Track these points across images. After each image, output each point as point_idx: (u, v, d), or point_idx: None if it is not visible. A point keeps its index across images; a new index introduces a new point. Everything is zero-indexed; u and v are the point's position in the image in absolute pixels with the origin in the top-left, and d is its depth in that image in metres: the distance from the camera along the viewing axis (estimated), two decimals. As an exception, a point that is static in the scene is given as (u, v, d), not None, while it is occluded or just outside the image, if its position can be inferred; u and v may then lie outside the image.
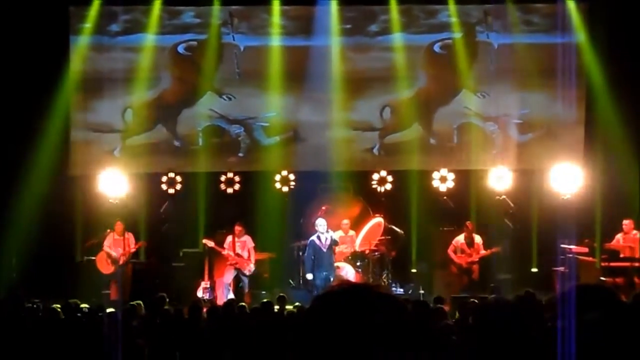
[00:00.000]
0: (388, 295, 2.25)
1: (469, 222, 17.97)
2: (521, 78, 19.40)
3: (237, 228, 17.60)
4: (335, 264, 17.45)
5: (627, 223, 17.31)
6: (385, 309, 2.18)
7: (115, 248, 17.73)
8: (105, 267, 17.71)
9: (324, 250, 17.06)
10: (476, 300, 12.73)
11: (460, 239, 17.79)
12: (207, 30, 19.75)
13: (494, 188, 18.87)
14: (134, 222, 18.58)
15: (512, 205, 18.49)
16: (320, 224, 17.23)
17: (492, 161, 19.56)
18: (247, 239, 17.69)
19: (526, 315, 4.33)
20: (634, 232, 17.25)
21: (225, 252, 17.49)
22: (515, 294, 12.51)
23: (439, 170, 19.29)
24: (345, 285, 2.26)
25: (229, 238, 17.60)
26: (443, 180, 19.22)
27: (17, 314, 11.07)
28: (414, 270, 19.24)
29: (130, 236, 17.98)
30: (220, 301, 16.08)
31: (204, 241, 17.80)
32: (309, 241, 17.33)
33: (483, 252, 17.71)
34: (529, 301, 10.94)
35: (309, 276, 17.17)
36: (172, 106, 19.75)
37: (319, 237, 17.12)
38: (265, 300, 13.28)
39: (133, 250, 18.04)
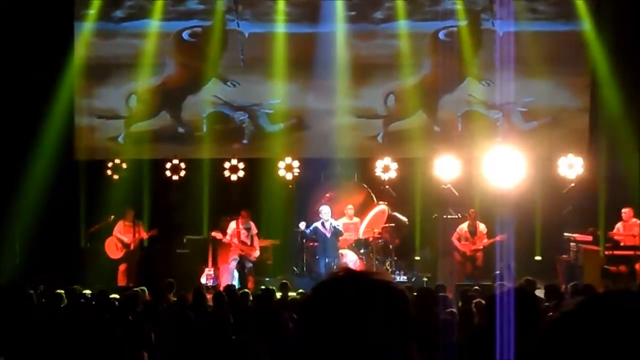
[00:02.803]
0: (388, 282, 2.25)
1: (472, 209, 17.96)
2: (526, 66, 19.33)
3: (243, 214, 17.60)
4: (339, 251, 17.53)
5: (626, 211, 17.30)
6: (384, 296, 2.18)
7: (125, 235, 17.81)
8: (114, 253, 17.78)
9: (328, 236, 17.11)
10: (478, 288, 12.74)
11: (464, 226, 17.79)
12: (212, 17, 19.72)
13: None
14: (139, 208, 18.61)
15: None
16: (324, 211, 17.30)
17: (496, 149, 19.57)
18: (250, 225, 17.70)
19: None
20: (633, 220, 17.24)
21: (227, 239, 17.48)
22: (518, 282, 12.51)
23: (443, 158, 19.30)
24: (344, 272, 2.26)
25: (232, 224, 17.59)
26: (447, 168, 19.22)
27: (21, 299, 11.08)
28: (417, 258, 19.25)
29: (140, 224, 18.05)
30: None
31: (213, 234, 17.74)
32: (312, 227, 17.38)
33: (486, 240, 17.70)
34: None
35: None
36: (176, 92, 19.74)
37: (323, 224, 17.19)
38: (264, 287, 13.31)
39: (146, 237, 18.11)
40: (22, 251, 18.02)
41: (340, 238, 17.55)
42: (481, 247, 17.66)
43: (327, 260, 17.10)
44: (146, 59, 19.52)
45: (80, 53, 19.47)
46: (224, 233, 17.55)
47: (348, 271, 2.26)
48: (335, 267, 16.92)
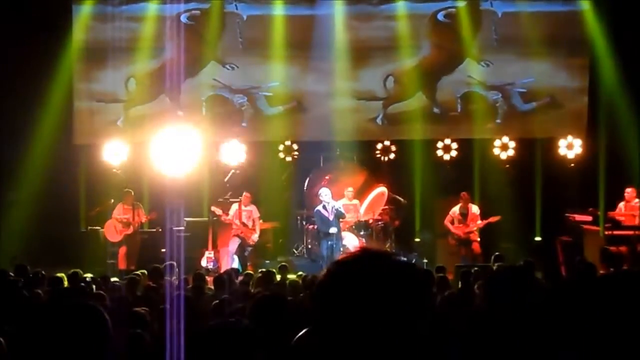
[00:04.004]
0: (407, 262, 2.25)
1: (463, 192, 17.91)
2: (525, 47, 19.32)
3: (246, 195, 17.62)
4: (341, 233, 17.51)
5: (629, 191, 17.27)
6: (406, 276, 2.18)
7: (125, 218, 17.79)
8: (113, 236, 17.77)
9: (330, 219, 17.09)
10: (478, 269, 12.76)
11: (456, 209, 17.75)
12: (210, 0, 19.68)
13: (498, 157, 19.00)
14: (138, 191, 18.60)
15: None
16: (325, 193, 17.26)
17: (495, 130, 19.57)
18: (252, 208, 17.71)
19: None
20: (636, 200, 17.23)
21: (229, 219, 17.49)
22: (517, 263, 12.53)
23: (442, 140, 19.31)
24: (362, 252, 2.25)
25: (235, 206, 17.62)
26: (446, 150, 19.25)
27: (21, 282, 11.12)
28: (417, 240, 19.28)
29: (140, 206, 18.03)
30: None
31: (212, 209, 17.78)
32: (314, 211, 17.37)
33: (480, 222, 17.69)
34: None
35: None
36: (175, 76, 19.67)
37: (324, 207, 17.16)
38: (263, 269, 13.32)
39: (144, 220, 18.09)
40: (23, 235, 18.01)
41: (341, 220, 17.55)
42: (475, 228, 17.65)
43: (329, 243, 17.07)
44: (145, 42, 19.48)
45: (79, 36, 19.43)
46: (225, 212, 17.57)
47: (368, 251, 2.25)
48: (339, 249, 16.88)
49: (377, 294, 2.13)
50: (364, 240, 17.84)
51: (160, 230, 18.46)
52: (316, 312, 2.20)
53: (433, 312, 2.27)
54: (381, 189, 18.69)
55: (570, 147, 19.12)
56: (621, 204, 17.33)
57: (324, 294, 2.20)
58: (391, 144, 19.32)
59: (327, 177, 18.50)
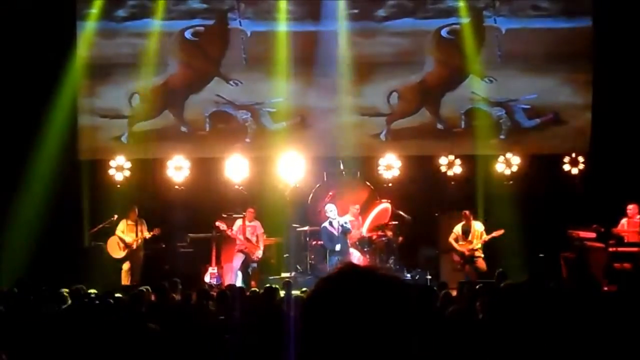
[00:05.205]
0: (391, 277, 2.25)
1: (465, 211, 17.88)
2: (529, 63, 19.35)
3: (250, 211, 17.61)
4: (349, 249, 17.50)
5: (631, 208, 17.28)
6: (387, 292, 2.18)
7: (128, 234, 17.80)
8: (116, 252, 17.78)
9: (337, 235, 17.09)
10: (482, 284, 12.73)
11: (458, 228, 17.73)
12: (214, 16, 19.73)
13: (501, 173, 18.99)
14: (142, 207, 18.60)
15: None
16: (331, 209, 17.28)
17: (499, 146, 19.58)
18: (257, 224, 17.70)
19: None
20: (638, 216, 17.21)
21: (233, 233, 17.47)
22: (521, 279, 12.52)
23: (446, 156, 19.31)
24: (348, 268, 2.25)
25: (239, 221, 17.61)
26: (450, 166, 19.25)
27: (25, 299, 11.12)
28: (421, 256, 19.22)
29: (143, 223, 18.03)
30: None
31: (217, 224, 17.73)
32: (321, 227, 17.37)
33: (485, 237, 17.66)
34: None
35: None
36: (179, 92, 19.73)
37: (330, 223, 17.17)
38: (268, 285, 13.30)
39: (148, 236, 18.07)
40: (25, 251, 18.00)
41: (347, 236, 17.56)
42: (479, 245, 17.61)
43: (337, 259, 17.05)
44: (149, 58, 19.51)
45: (83, 52, 19.46)
46: (229, 227, 17.55)
47: (352, 267, 2.25)
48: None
49: (360, 309, 2.13)
50: (367, 256, 17.83)
51: (163, 246, 18.48)
52: (304, 329, 2.21)
53: (431, 328, 2.26)
54: (385, 205, 18.67)
55: (574, 164, 19.12)
56: (624, 220, 17.33)
57: (309, 311, 2.20)
58: (395, 159, 19.31)
59: (330, 193, 18.48)
